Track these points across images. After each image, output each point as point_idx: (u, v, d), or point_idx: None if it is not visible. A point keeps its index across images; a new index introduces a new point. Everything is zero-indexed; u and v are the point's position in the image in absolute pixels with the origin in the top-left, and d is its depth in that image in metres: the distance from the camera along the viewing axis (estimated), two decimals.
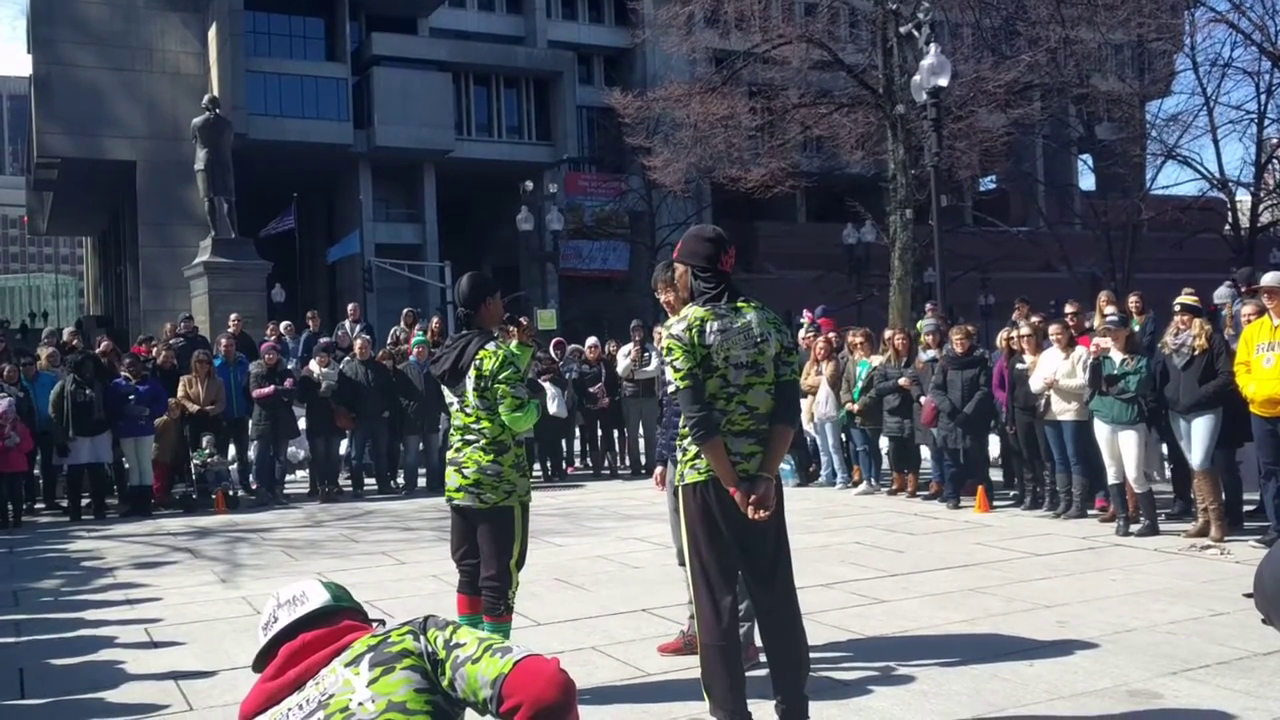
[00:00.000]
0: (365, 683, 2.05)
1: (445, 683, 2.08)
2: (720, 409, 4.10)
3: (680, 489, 4.23)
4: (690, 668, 4.93)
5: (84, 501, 12.06)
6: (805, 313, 14.64)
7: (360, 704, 2.02)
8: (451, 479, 4.94)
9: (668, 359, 4.20)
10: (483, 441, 4.83)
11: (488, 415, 4.81)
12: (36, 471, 12.41)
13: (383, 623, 2.41)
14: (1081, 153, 39.69)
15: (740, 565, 4.28)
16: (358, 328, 15.95)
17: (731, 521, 4.11)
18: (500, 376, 4.75)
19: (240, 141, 29.66)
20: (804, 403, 12.68)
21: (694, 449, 4.12)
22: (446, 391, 5.02)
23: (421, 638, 2.15)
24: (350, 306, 17.43)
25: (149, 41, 43.92)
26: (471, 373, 4.80)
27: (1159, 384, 8.75)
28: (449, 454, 5.03)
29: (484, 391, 4.78)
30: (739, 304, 4.19)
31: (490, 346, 4.82)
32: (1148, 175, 32.11)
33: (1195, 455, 8.48)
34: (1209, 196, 31.76)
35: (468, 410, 4.86)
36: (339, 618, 2.33)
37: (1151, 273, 30.71)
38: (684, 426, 4.16)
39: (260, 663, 2.34)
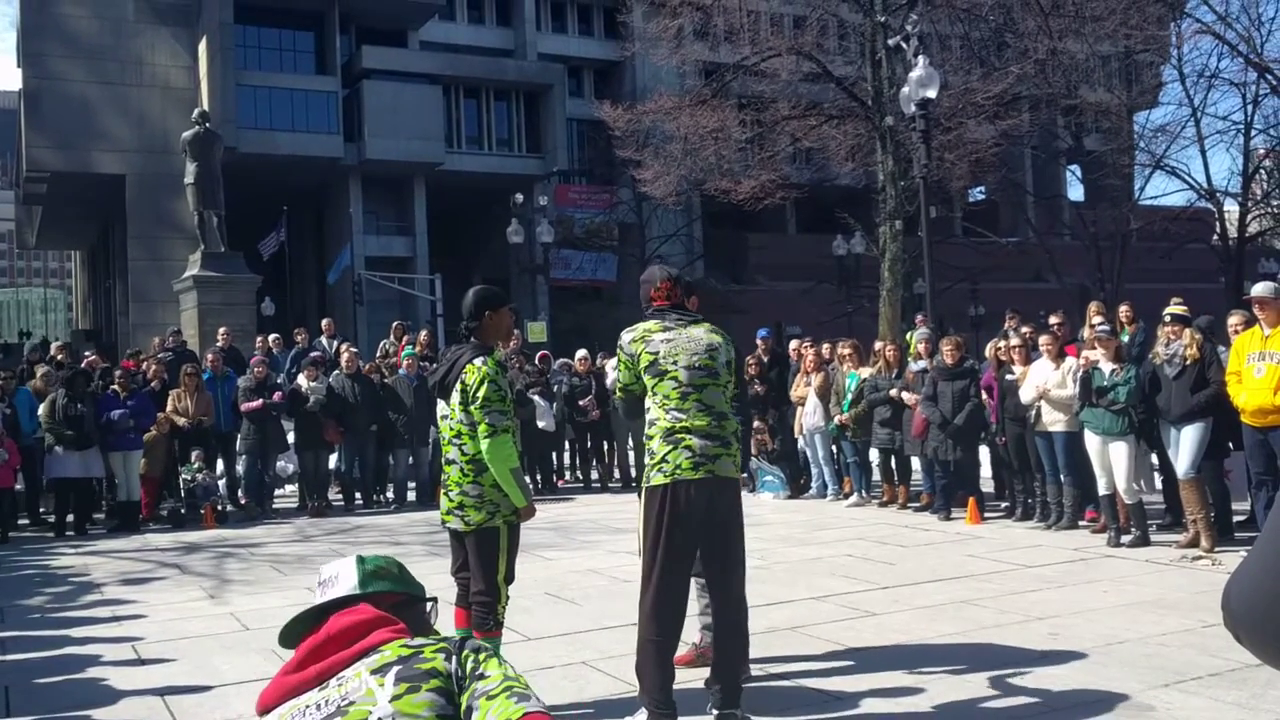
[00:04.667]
0: (389, 697, 1.99)
1: (463, 709, 2.05)
2: (678, 408, 4.42)
3: (644, 491, 4.48)
4: (686, 680, 4.91)
5: (68, 517, 11.97)
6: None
7: (380, 719, 1.99)
8: (442, 501, 4.95)
9: (617, 367, 4.71)
10: (463, 461, 4.79)
11: (469, 432, 4.77)
12: (20, 486, 12.31)
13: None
14: (1070, 163, 39.89)
15: (702, 565, 4.63)
16: (334, 342, 15.89)
17: (689, 524, 4.37)
18: (478, 394, 4.68)
19: (230, 155, 29.61)
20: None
21: (660, 451, 4.40)
22: (439, 406, 4.99)
23: (454, 658, 2.10)
24: (325, 322, 17.34)
25: (139, 55, 43.93)
26: (458, 386, 4.77)
27: (1149, 394, 8.76)
28: (442, 475, 5.02)
29: (467, 407, 4.75)
30: (690, 321, 4.63)
31: (477, 362, 4.75)
32: (1136, 186, 32.28)
33: (1181, 463, 8.48)
34: (1197, 207, 31.93)
35: (452, 425, 4.83)
36: (366, 607, 2.25)
37: (1140, 283, 30.82)
38: (648, 428, 4.51)
39: (289, 640, 2.29)
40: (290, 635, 2.29)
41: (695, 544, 4.46)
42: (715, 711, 4.50)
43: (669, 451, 4.39)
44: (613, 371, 14.17)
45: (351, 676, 2.06)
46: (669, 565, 4.38)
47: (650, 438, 4.49)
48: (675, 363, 4.46)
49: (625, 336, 4.62)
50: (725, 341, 4.64)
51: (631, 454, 14.37)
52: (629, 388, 4.65)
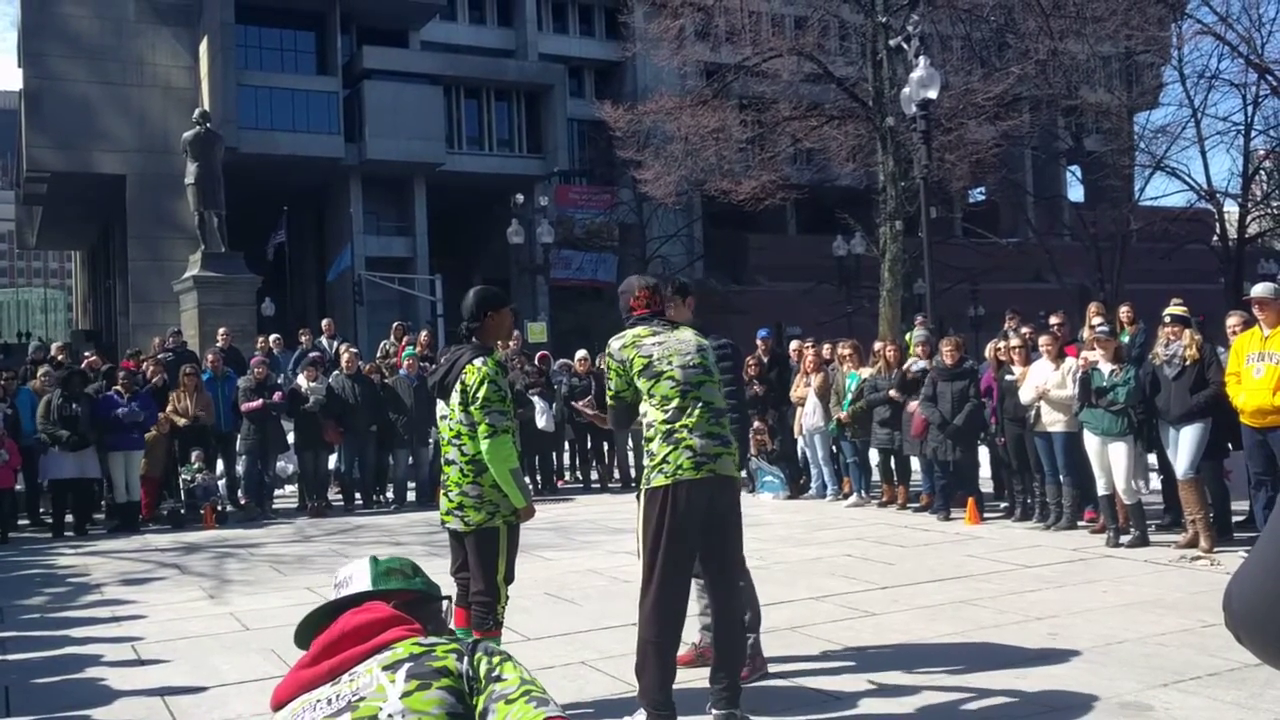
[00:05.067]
0: (399, 694, 1.99)
1: (477, 711, 2.04)
2: (678, 407, 4.43)
3: (644, 492, 4.47)
4: (686, 680, 4.92)
5: (67, 518, 11.96)
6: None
7: (390, 716, 1.97)
8: (441, 502, 4.96)
9: (607, 374, 4.72)
10: (462, 462, 4.80)
11: (469, 432, 4.78)
12: (20, 486, 12.30)
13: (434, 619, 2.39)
14: (1070, 164, 39.89)
15: (701, 563, 4.65)
16: (334, 343, 15.90)
17: (691, 524, 4.37)
18: (479, 395, 4.70)
19: (231, 155, 29.59)
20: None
21: (660, 452, 4.40)
22: (438, 407, 5.01)
23: (466, 659, 2.08)
24: (325, 322, 17.34)
25: (140, 55, 43.93)
26: (457, 386, 4.78)
27: (1149, 394, 8.76)
28: (441, 475, 5.03)
29: (467, 407, 4.76)
30: (674, 326, 4.68)
31: (476, 362, 4.77)
32: (1136, 186, 32.27)
33: (1181, 464, 8.49)
34: (1197, 208, 31.92)
35: (452, 425, 4.84)
36: (379, 605, 2.26)
37: (1140, 283, 30.82)
38: (646, 430, 4.51)
39: (303, 639, 2.30)
40: (304, 634, 2.29)
41: (696, 544, 4.46)
42: (715, 711, 4.50)
43: (670, 452, 4.38)
44: None
45: (363, 672, 2.06)
46: (670, 567, 4.37)
47: (649, 439, 4.49)
48: (671, 363, 4.48)
49: (614, 344, 4.64)
50: (710, 345, 4.73)
51: (631, 454, 14.38)
52: (620, 395, 4.65)
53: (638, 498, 4.57)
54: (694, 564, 4.55)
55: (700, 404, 4.44)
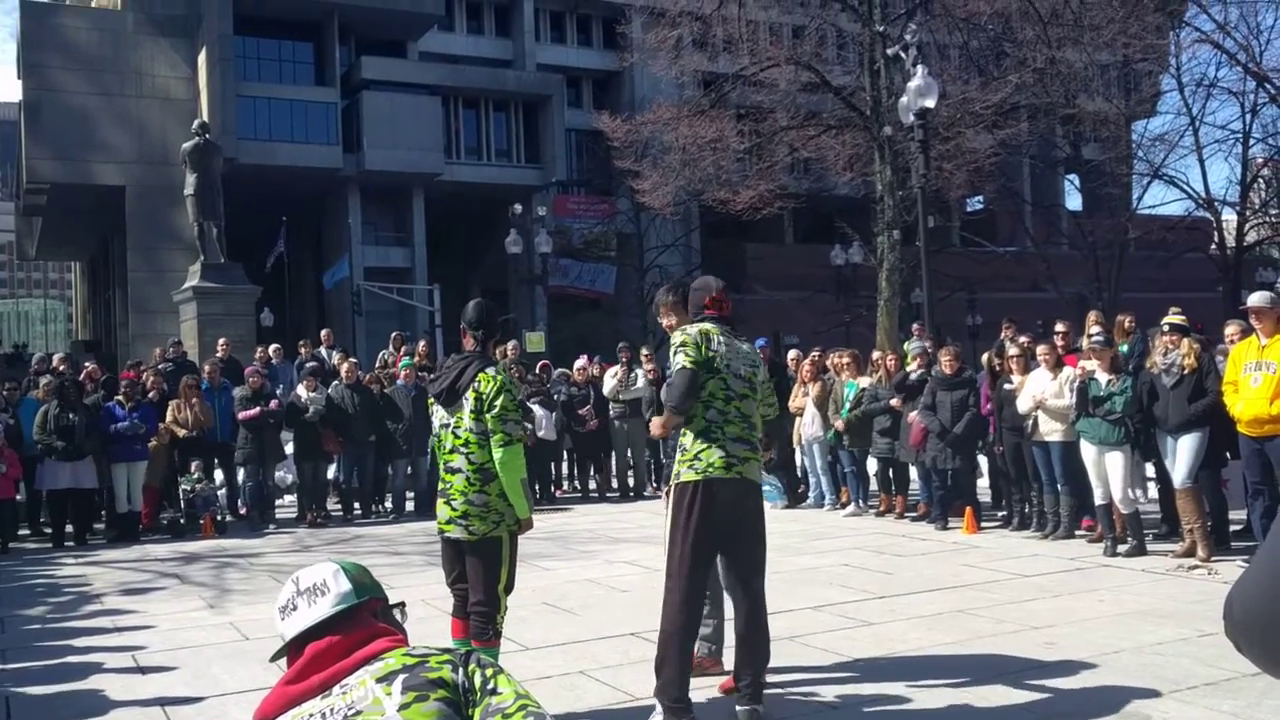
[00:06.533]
0: (396, 706, 1.98)
1: None
2: (719, 409, 4.61)
3: (674, 486, 4.63)
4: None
5: (67, 528, 11.95)
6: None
7: None
8: (441, 511, 4.97)
9: (679, 350, 4.64)
10: (469, 470, 4.83)
11: (478, 440, 4.81)
12: (20, 496, 12.30)
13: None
14: (1068, 173, 39.97)
15: (724, 565, 4.83)
16: (333, 353, 15.91)
17: (717, 521, 4.54)
18: (496, 403, 4.77)
19: (230, 166, 29.64)
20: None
21: (694, 448, 4.57)
22: (437, 415, 5.02)
23: (460, 670, 2.08)
24: (324, 332, 17.36)
25: (139, 66, 43.98)
26: (470, 394, 4.82)
27: (1146, 403, 8.78)
28: (440, 485, 5.05)
29: (479, 415, 4.80)
30: (735, 336, 4.84)
31: (490, 371, 4.87)
32: (1134, 195, 32.35)
33: (1178, 473, 8.51)
34: (1195, 216, 31.99)
35: (459, 433, 4.86)
36: (365, 615, 2.24)
37: (1138, 292, 30.87)
38: (686, 423, 4.66)
39: (280, 656, 2.26)
40: (287, 653, 2.25)
41: (721, 541, 4.64)
42: (738, 707, 4.64)
43: (704, 449, 4.58)
44: (611, 380, 14.22)
45: (356, 685, 2.05)
46: (697, 560, 4.57)
47: (684, 435, 4.65)
48: (729, 367, 4.68)
49: (691, 329, 4.74)
50: (761, 363, 4.95)
51: (630, 464, 14.42)
52: (699, 362, 4.60)
53: (666, 494, 4.76)
54: (715, 562, 4.74)
55: (739, 414, 4.66)
